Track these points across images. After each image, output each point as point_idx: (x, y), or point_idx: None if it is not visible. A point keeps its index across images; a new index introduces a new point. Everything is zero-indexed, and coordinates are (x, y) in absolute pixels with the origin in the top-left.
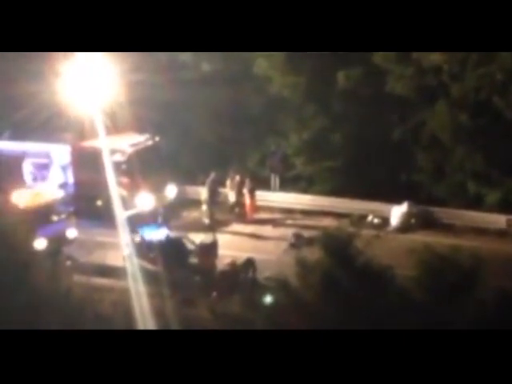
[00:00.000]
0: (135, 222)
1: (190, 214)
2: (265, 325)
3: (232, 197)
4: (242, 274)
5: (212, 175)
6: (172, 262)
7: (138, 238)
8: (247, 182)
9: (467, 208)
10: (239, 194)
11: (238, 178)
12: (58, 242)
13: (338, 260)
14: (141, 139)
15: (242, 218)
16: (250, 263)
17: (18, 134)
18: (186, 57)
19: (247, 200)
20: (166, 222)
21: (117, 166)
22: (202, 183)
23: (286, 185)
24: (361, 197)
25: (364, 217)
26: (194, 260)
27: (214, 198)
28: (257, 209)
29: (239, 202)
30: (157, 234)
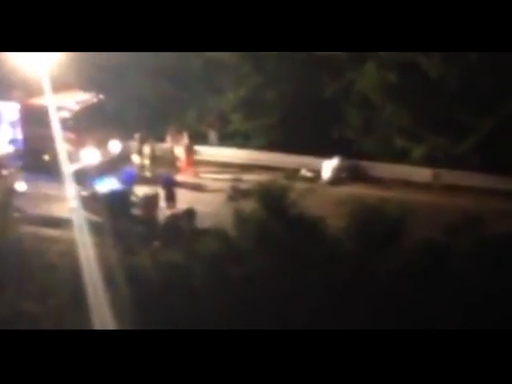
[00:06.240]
0: (81, 176)
1: (133, 167)
2: (203, 272)
3: (172, 152)
4: (183, 224)
5: (136, 136)
6: (116, 214)
7: (84, 191)
8: (185, 137)
9: (394, 162)
10: (179, 149)
11: (178, 133)
12: (7, 195)
13: (273, 211)
14: (86, 97)
15: (181, 171)
16: (189, 213)
17: None
18: None
19: (185, 155)
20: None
21: (63, 122)
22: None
23: (224, 140)
24: (294, 151)
25: (297, 170)
26: (136, 211)
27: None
28: (194, 163)
29: (178, 157)
30: (102, 187)
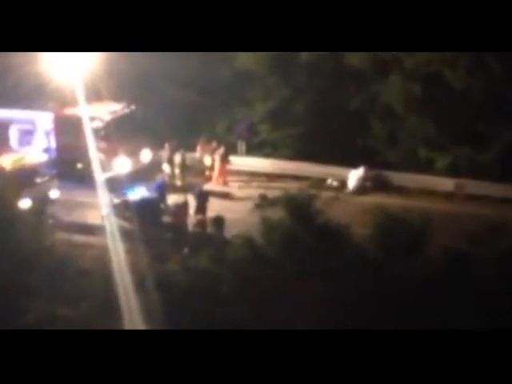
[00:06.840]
0: (113, 184)
1: (164, 177)
2: (231, 278)
3: (205, 161)
4: (211, 231)
5: (167, 145)
6: (147, 221)
7: (115, 199)
8: (220, 147)
9: (418, 172)
10: (212, 159)
11: (211, 143)
12: (42, 202)
13: (299, 219)
14: (118, 107)
15: (213, 180)
16: (218, 220)
17: (5, 102)
18: None
19: (218, 164)
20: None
21: (96, 132)
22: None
23: (252, 150)
24: (321, 161)
25: (323, 180)
26: (167, 219)
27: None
28: (227, 173)
29: (211, 166)
30: (133, 195)
